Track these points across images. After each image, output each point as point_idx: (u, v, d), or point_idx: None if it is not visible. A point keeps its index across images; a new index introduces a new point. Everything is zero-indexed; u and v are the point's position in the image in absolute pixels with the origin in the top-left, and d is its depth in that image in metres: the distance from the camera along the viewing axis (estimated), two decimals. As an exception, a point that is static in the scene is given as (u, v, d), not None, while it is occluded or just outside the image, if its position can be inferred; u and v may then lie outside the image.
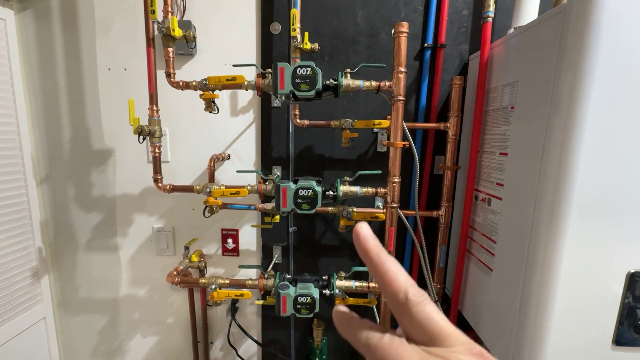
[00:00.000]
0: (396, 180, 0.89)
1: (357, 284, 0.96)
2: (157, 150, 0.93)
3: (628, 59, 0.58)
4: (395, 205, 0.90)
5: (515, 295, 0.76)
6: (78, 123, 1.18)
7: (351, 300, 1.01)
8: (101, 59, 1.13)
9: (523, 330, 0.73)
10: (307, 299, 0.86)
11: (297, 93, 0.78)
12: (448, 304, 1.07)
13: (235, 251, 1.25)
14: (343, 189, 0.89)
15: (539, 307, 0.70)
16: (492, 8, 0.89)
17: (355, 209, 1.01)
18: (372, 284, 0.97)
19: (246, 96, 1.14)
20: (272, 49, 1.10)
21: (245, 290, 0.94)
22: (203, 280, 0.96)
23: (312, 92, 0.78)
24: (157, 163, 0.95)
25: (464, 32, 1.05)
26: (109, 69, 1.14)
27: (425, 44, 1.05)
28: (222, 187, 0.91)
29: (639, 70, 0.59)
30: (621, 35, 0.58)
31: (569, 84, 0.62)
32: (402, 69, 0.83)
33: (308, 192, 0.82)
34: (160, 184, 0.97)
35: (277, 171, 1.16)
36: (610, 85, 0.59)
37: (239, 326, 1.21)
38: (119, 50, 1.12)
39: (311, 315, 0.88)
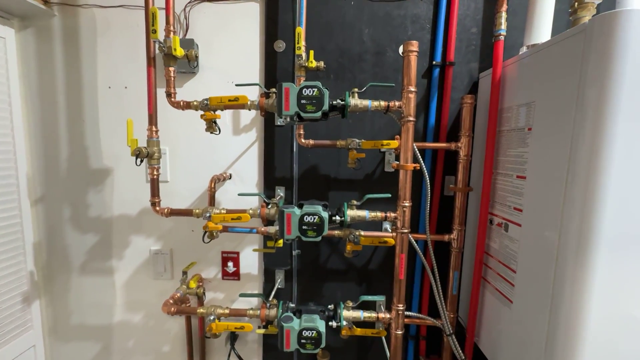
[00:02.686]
0: (406, 204, 0.84)
1: (366, 314, 0.90)
2: (155, 172, 0.89)
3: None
4: (405, 230, 0.85)
5: (540, 330, 0.70)
6: (76, 142, 1.14)
7: (359, 331, 0.94)
8: (102, 77, 1.11)
9: (550, 371, 0.67)
10: (312, 333, 0.80)
11: (302, 114, 0.74)
12: (463, 335, 1.00)
13: (236, 275, 1.19)
14: (351, 213, 0.84)
15: (567, 346, 0.64)
16: (503, 26, 0.86)
17: (362, 233, 0.96)
18: (381, 315, 0.90)
19: (249, 114, 1.11)
20: (276, 67, 1.07)
21: (245, 323, 0.88)
22: (201, 310, 0.90)
23: (319, 114, 0.75)
24: (155, 186, 0.90)
25: (473, 50, 1.03)
26: (110, 87, 1.11)
27: (434, 62, 1.02)
28: (222, 212, 0.87)
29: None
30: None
31: (593, 104, 0.58)
32: (412, 88, 0.80)
33: (314, 218, 0.77)
34: (157, 207, 0.92)
35: (280, 192, 1.11)
36: (639, 105, 0.55)
37: (238, 356, 1.14)
38: (120, 68, 1.10)
39: (317, 351, 0.81)
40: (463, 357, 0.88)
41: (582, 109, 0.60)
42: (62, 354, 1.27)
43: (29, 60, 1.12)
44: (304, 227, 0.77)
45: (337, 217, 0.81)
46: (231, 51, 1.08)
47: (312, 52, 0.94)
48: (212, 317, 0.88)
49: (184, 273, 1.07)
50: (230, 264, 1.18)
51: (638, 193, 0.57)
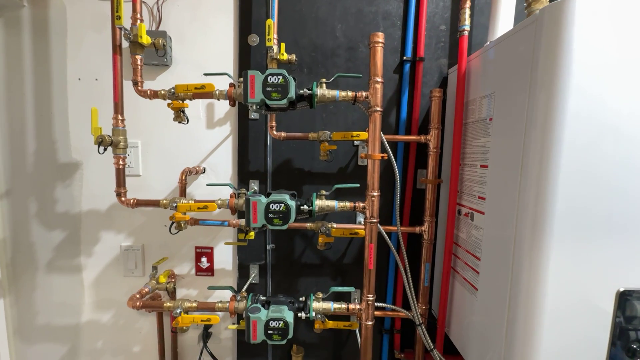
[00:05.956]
0: (375, 194, 0.84)
1: (336, 305, 0.89)
2: (120, 162, 0.87)
3: (603, 69, 0.57)
4: (374, 220, 0.86)
5: (501, 316, 0.71)
6: (44, 135, 1.12)
7: (330, 324, 0.94)
8: (72, 69, 1.09)
9: (511, 354, 0.68)
10: (279, 324, 0.79)
11: (268, 102, 0.75)
12: (434, 326, 1.01)
13: (210, 271, 1.17)
14: (319, 203, 0.84)
15: (526, 329, 0.65)
16: (467, 22, 0.89)
17: (334, 225, 0.97)
18: (351, 306, 0.90)
19: (223, 108, 1.10)
20: (249, 60, 1.07)
21: (213, 315, 0.86)
22: (168, 304, 0.88)
23: (285, 102, 0.75)
24: (120, 176, 0.89)
25: (442, 46, 1.05)
26: (79, 79, 1.09)
27: (405, 57, 1.04)
28: (189, 202, 0.86)
29: (614, 79, 0.57)
30: (594, 42, 0.57)
31: (544, 95, 0.60)
32: (379, 79, 0.81)
33: (280, 206, 0.77)
34: (123, 198, 0.90)
35: (254, 185, 1.11)
36: (586, 95, 0.58)
37: (211, 354, 1.12)
38: (91, 60, 1.09)
39: (284, 342, 0.80)
40: (432, 347, 0.89)
41: (534, 95, 0.62)
42: (27, 355, 1.22)
43: (-4, 51, 1.09)
44: (270, 215, 0.77)
45: (305, 207, 0.81)
46: (205, 44, 1.08)
47: (283, 45, 0.95)
48: (178, 311, 0.86)
49: (154, 268, 1.05)
50: (204, 259, 1.16)
51: (588, 180, 0.59)
